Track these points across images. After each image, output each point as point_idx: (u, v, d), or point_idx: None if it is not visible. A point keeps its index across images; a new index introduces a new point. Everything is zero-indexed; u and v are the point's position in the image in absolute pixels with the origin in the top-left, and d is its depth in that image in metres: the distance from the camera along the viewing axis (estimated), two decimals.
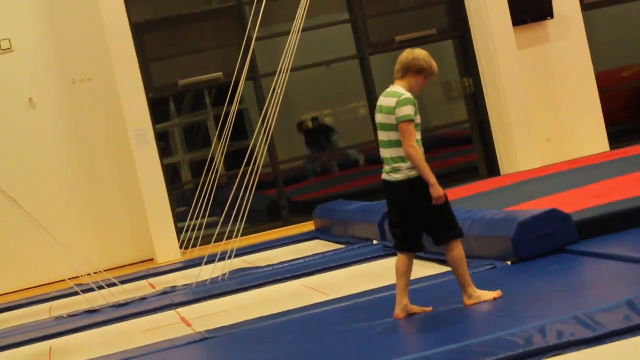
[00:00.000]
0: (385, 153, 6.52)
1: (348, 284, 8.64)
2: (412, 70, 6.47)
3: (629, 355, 4.90)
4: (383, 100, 6.52)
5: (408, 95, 6.42)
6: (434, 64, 6.54)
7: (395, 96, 6.42)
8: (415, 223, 6.50)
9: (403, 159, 6.40)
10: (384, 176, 6.57)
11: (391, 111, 6.41)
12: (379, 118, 6.53)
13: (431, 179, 6.35)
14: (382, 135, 6.52)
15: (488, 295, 6.50)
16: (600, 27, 16.50)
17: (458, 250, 6.47)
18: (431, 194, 6.34)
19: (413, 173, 6.39)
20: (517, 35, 14.97)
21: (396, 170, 6.45)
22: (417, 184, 6.38)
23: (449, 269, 8.09)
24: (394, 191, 6.51)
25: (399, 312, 6.54)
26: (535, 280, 6.79)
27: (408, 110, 6.35)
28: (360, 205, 11.98)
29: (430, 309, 6.59)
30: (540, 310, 6.05)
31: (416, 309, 6.56)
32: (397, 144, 6.41)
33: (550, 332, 5.23)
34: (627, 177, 10.02)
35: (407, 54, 6.53)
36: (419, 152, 6.36)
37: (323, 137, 16.77)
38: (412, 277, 7.67)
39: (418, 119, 6.43)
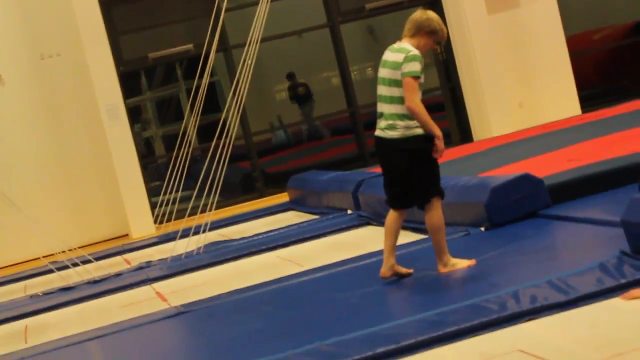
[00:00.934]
0: (383, 108, 6.52)
1: (323, 254, 8.67)
2: (424, 31, 6.49)
3: (602, 318, 4.95)
4: (388, 55, 6.53)
5: (417, 52, 6.43)
6: (444, 27, 6.59)
7: (403, 52, 6.43)
8: (407, 180, 6.51)
9: (401, 116, 6.41)
10: (378, 132, 6.56)
11: (397, 66, 6.42)
12: (382, 72, 6.53)
13: (437, 131, 6.38)
14: (383, 90, 6.52)
15: (462, 263, 6.53)
16: None
17: (438, 215, 6.47)
18: (437, 146, 6.36)
19: (409, 132, 6.40)
20: None
21: (392, 127, 6.45)
22: (412, 143, 6.39)
23: (422, 236, 8.15)
24: (388, 148, 6.50)
25: (385, 270, 6.58)
26: (508, 245, 6.83)
27: (416, 67, 6.37)
28: (334, 175, 11.99)
29: (412, 270, 6.63)
30: (513, 275, 6.10)
31: (401, 269, 6.60)
32: (399, 100, 6.42)
33: (523, 296, 5.27)
34: (599, 140, 10.08)
35: (421, 14, 6.56)
36: (421, 106, 6.36)
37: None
38: (372, 250, 7.69)
39: (422, 79, 6.44)
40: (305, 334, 5.72)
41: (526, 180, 7.81)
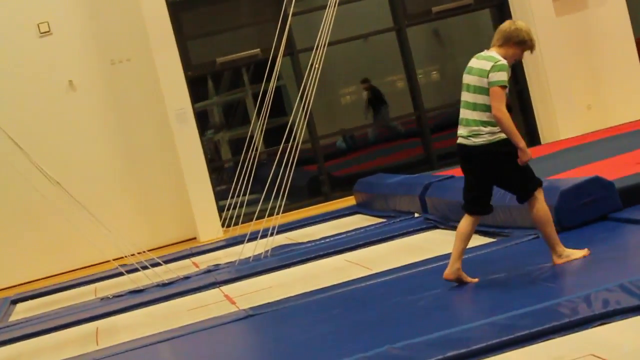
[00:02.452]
0: (466, 114, 6.53)
1: (390, 257, 8.63)
2: (513, 41, 6.51)
3: None
4: (475, 62, 6.55)
5: (504, 61, 6.44)
6: (533, 37, 6.58)
7: (491, 60, 6.44)
8: (488, 187, 6.54)
9: (485, 123, 6.41)
10: (461, 140, 6.56)
11: (484, 74, 6.42)
12: (467, 79, 6.54)
13: (520, 142, 6.38)
14: (467, 97, 6.53)
15: (577, 253, 6.50)
16: None
17: (543, 207, 6.44)
18: (520, 157, 6.37)
19: (493, 137, 6.40)
20: (554, 1, 14.81)
21: (476, 134, 6.45)
22: (497, 149, 6.40)
23: (490, 240, 8.09)
24: (472, 155, 6.50)
25: (449, 273, 6.57)
26: (579, 248, 6.73)
27: (504, 76, 6.38)
28: (401, 178, 11.94)
29: (477, 280, 6.57)
30: (585, 279, 6.01)
31: (465, 277, 6.56)
32: (483, 107, 6.42)
33: (595, 301, 5.19)
34: None
35: (510, 24, 6.58)
36: (507, 115, 6.37)
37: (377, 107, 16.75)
38: (441, 253, 7.63)
39: (507, 89, 6.45)
40: (374, 337, 5.68)
41: (596, 183, 7.71)
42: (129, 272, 10.75)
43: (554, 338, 4.97)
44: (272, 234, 10.56)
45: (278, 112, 14.65)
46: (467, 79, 6.55)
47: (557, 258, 6.47)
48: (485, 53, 6.54)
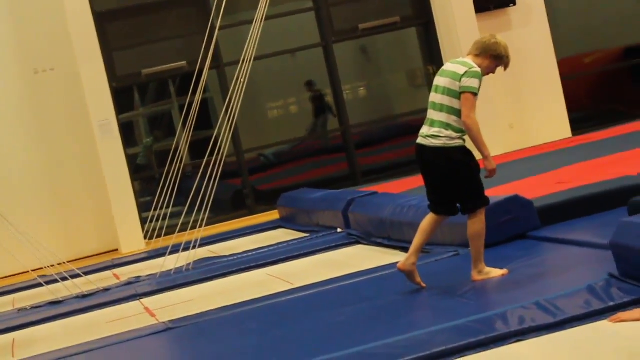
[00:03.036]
0: (432, 115, 6.57)
1: (312, 272, 8.64)
2: (490, 53, 6.56)
3: (589, 340, 4.93)
4: (449, 66, 6.61)
5: (479, 69, 6.48)
6: (510, 55, 6.64)
7: (466, 66, 6.49)
8: (446, 188, 6.59)
9: (447, 125, 6.46)
10: (420, 140, 6.61)
11: (456, 77, 6.47)
12: (438, 81, 6.58)
13: (486, 151, 6.49)
14: (435, 98, 6.57)
15: (496, 272, 6.57)
16: (562, 13, 16.56)
17: (480, 223, 6.53)
18: (485, 166, 6.50)
19: (451, 142, 6.45)
20: (479, 22, 14.99)
21: (435, 136, 6.49)
22: (451, 154, 6.46)
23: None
24: (428, 156, 6.57)
25: (403, 264, 6.63)
26: (497, 266, 6.80)
27: (476, 83, 6.43)
28: (324, 193, 11.97)
29: (424, 286, 6.66)
30: (501, 296, 6.08)
31: (416, 275, 6.64)
32: (449, 109, 6.47)
33: (511, 317, 5.26)
34: (589, 162, 10.08)
35: (490, 37, 6.64)
36: (477, 123, 6.44)
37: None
38: (375, 265, 7.69)
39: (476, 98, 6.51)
40: (292, 352, 5.70)
41: (516, 201, 7.80)
42: (48, 283, 10.61)
43: (470, 354, 5.02)
44: (194, 247, 10.52)
45: (204, 124, 14.60)
46: (437, 80, 6.59)
47: (477, 274, 6.54)
48: (460, 59, 6.61)
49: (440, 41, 15.38)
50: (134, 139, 16.00)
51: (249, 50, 10.64)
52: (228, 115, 10.86)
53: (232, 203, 15.43)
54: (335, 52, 15.60)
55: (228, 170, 13.69)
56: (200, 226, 10.60)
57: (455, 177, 6.52)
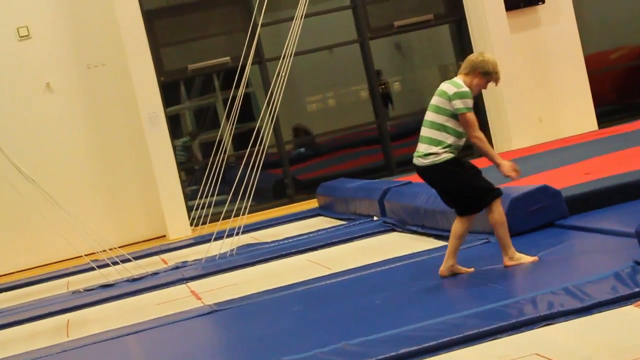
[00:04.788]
0: (423, 132, 6.58)
1: (350, 258, 8.64)
2: (479, 71, 6.57)
3: (615, 324, 4.91)
4: (442, 85, 6.63)
5: (466, 89, 6.49)
6: (499, 70, 6.63)
7: (456, 86, 6.52)
8: (454, 197, 6.62)
9: (435, 142, 6.47)
10: (414, 160, 6.62)
11: (444, 95, 6.50)
12: (432, 100, 6.61)
13: (497, 159, 6.53)
14: (427, 115, 6.60)
15: (527, 258, 6.54)
16: (589, 10, 16.42)
17: (498, 211, 6.51)
18: (502, 173, 6.53)
19: (439, 159, 6.44)
20: (509, 19, 14.90)
21: (424, 155, 6.49)
22: (443, 168, 6.45)
23: (443, 243, 8.11)
24: (423, 174, 6.61)
25: (443, 269, 6.63)
26: (527, 253, 6.76)
27: (467, 103, 6.44)
28: (361, 183, 11.97)
29: (471, 269, 6.64)
30: (531, 282, 6.05)
31: (460, 269, 6.63)
32: (438, 126, 6.48)
33: (541, 302, 5.23)
34: (615, 154, 10.00)
35: (478, 55, 6.67)
36: (484, 139, 6.48)
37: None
38: (409, 252, 7.68)
39: None
40: (331, 333, 5.70)
41: (544, 191, 7.76)
42: (100, 267, 10.69)
43: (500, 337, 5.00)
44: (237, 234, 10.55)
45: (246, 117, 14.62)
46: (432, 100, 6.62)
47: (508, 260, 6.52)
48: (453, 79, 6.61)
49: (471, 37, 15.30)
50: (180, 131, 16.07)
51: (289, 46, 10.64)
52: (269, 109, 10.88)
53: (273, 192, 15.45)
54: (372, 48, 15.58)
55: (269, 160, 13.70)
56: (244, 214, 10.63)
57: (455, 186, 6.53)
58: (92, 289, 9.92)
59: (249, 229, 11.79)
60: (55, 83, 14.67)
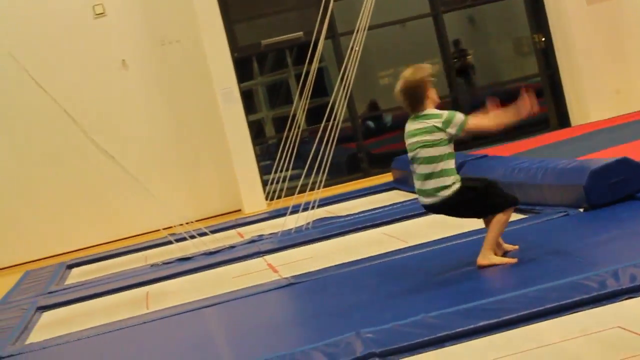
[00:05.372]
0: (419, 169, 6.35)
1: (426, 231, 8.60)
2: (421, 93, 6.31)
3: None
4: (415, 124, 6.35)
5: (442, 113, 6.27)
6: (424, 67, 6.40)
7: (435, 117, 6.26)
8: (471, 216, 6.50)
9: (437, 174, 6.25)
10: (419, 199, 6.45)
11: (431, 129, 6.24)
12: (412, 140, 6.34)
13: (512, 117, 6.30)
14: (418, 153, 6.35)
15: (502, 260, 6.31)
16: None
17: (505, 216, 6.32)
18: (523, 108, 6.26)
19: (446, 193, 6.26)
20: None
21: (431, 193, 6.30)
22: (451, 201, 6.26)
23: (521, 216, 8.04)
24: (433, 210, 6.45)
25: (480, 259, 6.39)
26: (607, 226, 6.68)
27: (460, 117, 6.22)
28: None
29: (516, 247, 6.49)
30: (612, 254, 5.96)
31: (502, 258, 6.36)
32: (432, 159, 6.26)
33: (623, 275, 5.14)
34: None
35: (406, 84, 6.34)
36: (496, 120, 6.29)
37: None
38: (476, 228, 7.57)
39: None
40: (410, 306, 5.68)
41: (625, 163, 7.63)
42: (177, 240, 10.81)
43: (582, 310, 4.93)
44: (313, 208, 10.57)
45: (319, 92, 14.62)
46: (411, 140, 6.34)
47: (482, 259, 6.33)
48: (421, 115, 6.32)
49: (547, 9, 15.09)
50: (253, 106, 16.14)
51: (362, 20, 10.59)
52: (343, 83, 10.85)
53: (347, 166, 15.45)
54: (445, 21, 15.46)
55: (343, 135, 13.69)
56: (318, 188, 10.64)
57: (468, 208, 6.35)
58: (170, 262, 10.02)
59: (323, 202, 11.80)
60: (131, 60, 14.83)
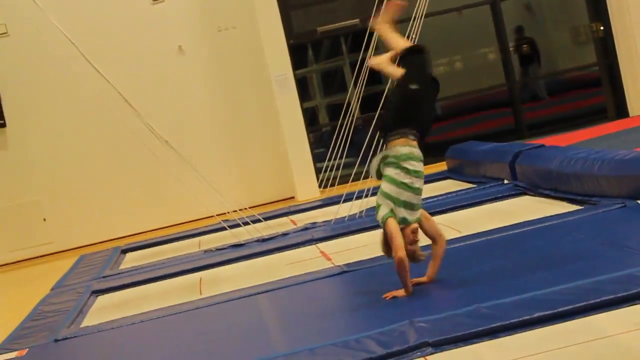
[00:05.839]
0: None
1: (480, 221, 8.56)
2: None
3: None
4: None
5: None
6: None
7: None
8: None
9: None
10: None
11: None
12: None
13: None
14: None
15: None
16: None
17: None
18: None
19: None
20: None
21: None
22: None
23: (577, 207, 7.97)
24: None
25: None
26: None
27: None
28: (492, 145, 11.82)
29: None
30: None
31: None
32: None
33: None
34: None
35: None
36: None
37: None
38: (541, 215, 7.51)
39: None
40: (464, 296, 5.66)
41: None
42: (231, 227, 10.86)
43: (638, 303, 4.87)
44: (366, 196, 10.56)
45: (374, 80, 14.58)
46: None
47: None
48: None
49: None
50: (308, 93, 16.14)
51: (419, 8, 10.54)
52: None
53: None
54: (502, 9, 15.35)
55: None
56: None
57: None
58: (224, 248, 10.08)
59: (377, 191, 11.71)
60: (187, 46, 14.90)
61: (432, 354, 4.75)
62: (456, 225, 8.63)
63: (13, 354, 6.93)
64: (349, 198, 10.83)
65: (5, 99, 14.60)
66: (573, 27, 16.74)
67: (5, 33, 14.63)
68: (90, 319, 7.86)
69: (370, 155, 10.53)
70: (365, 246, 8.58)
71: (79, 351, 6.77)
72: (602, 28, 15.31)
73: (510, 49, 15.82)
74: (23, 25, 14.27)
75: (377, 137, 10.45)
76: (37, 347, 7.00)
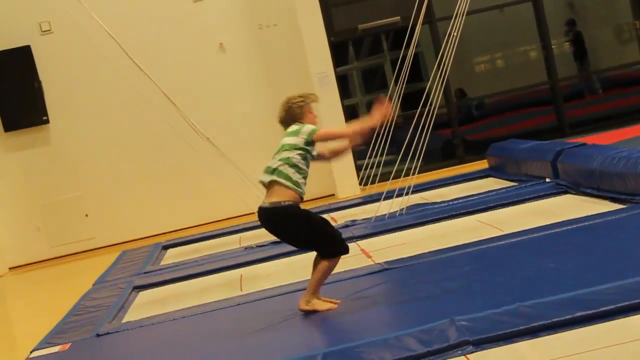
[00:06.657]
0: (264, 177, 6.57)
1: (521, 219, 8.52)
2: (300, 115, 6.60)
3: None
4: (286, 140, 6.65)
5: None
6: (305, 95, 6.65)
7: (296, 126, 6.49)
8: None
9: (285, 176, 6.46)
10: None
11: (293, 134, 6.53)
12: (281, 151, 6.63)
13: (368, 124, 6.52)
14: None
15: (323, 305, 6.38)
16: None
17: (334, 263, 6.40)
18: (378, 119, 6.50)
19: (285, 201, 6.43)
20: None
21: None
22: (283, 212, 6.39)
23: (620, 206, 7.92)
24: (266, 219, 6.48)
25: (302, 304, 6.46)
26: None
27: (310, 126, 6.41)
28: (534, 144, 11.76)
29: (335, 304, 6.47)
30: None
31: (323, 304, 6.42)
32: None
33: None
34: None
35: (284, 108, 6.74)
36: (347, 131, 6.61)
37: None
38: (583, 214, 7.47)
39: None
40: (504, 294, 5.65)
41: None
42: None
43: None
44: (407, 194, 10.55)
45: (415, 78, 14.57)
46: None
47: (305, 304, 6.39)
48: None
49: None
50: (348, 90, 16.15)
51: (461, 5, 10.51)
52: (440, 69, 10.79)
53: (442, 152, 15.38)
54: (545, 6, 15.27)
55: (438, 121, 13.64)
56: (413, 174, 10.62)
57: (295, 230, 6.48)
58: (264, 245, 10.12)
59: (418, 189, 11.76)
60: (228, 43, 14.97)
61: (472, 352, 4.75)
62: (497, 223, 8.61)
63: (56, 348, 7.02)
64: (389, 196, 10.83)
65: (48, 95, 14.75)
66: (617, 24, 16.61)
67: (49, 30, 14.78)
68: (132, 315, 7.93)
69: (411, 153, 10.55)
70: (405, 244, 8.59)
71: (120, 346, 6.84)
72: None
73: (566, 43, 15.71)
74: (66, 23, 14.39)
75: (417, 135, 10.46)
76: (80, 341, 7.08)
